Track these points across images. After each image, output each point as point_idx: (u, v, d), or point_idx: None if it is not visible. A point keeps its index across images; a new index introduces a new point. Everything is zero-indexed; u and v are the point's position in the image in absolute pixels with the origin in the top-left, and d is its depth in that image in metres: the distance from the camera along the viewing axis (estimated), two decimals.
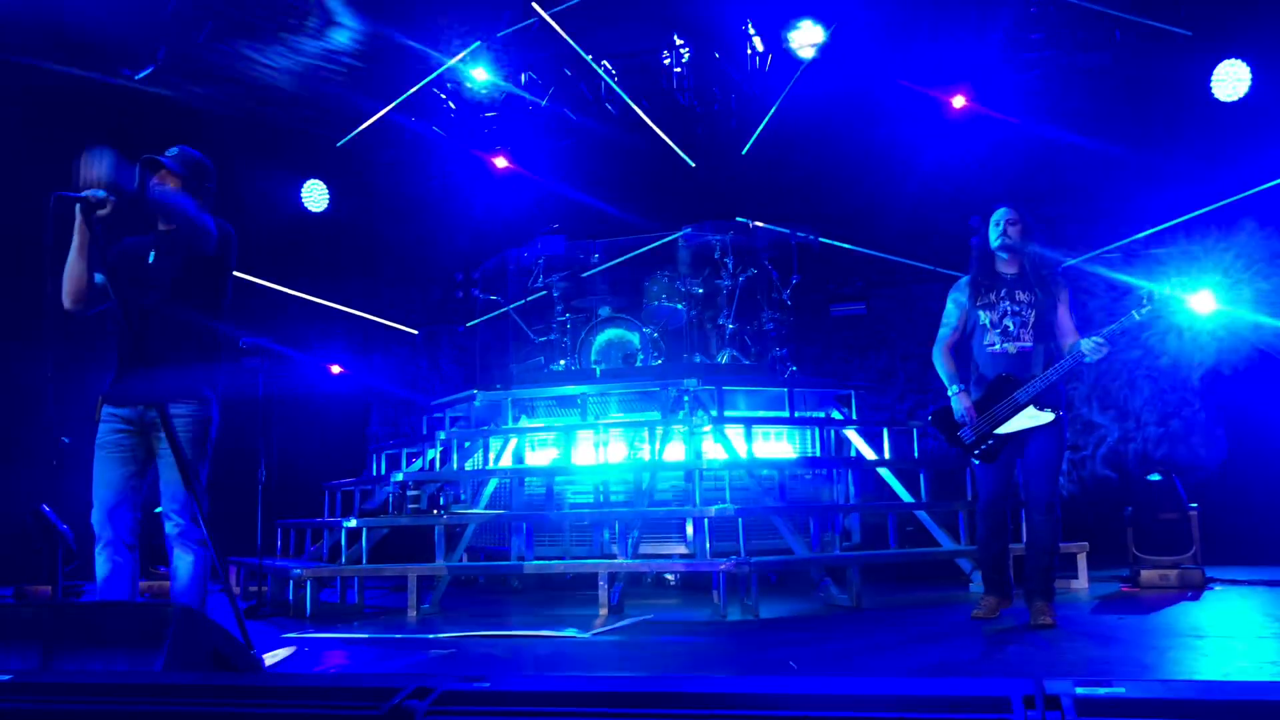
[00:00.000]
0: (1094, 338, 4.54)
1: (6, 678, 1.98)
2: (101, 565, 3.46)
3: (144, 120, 8.32)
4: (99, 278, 3.58)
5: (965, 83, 8.73)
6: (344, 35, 8.60)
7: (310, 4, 8.24)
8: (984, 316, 4.82)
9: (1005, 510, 4.92)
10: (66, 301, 3.58)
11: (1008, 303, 4.78)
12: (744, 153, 9.39)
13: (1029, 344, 4.74)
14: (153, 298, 3.57)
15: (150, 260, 3.62)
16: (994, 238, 4.83)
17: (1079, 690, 1.62)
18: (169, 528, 3.53)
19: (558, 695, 1.84)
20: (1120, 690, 1.62)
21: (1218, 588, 6.07)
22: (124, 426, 3.54)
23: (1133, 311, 4.51)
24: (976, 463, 4.88)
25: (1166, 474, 6.46)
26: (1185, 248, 8.38)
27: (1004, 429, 4.72)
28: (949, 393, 4.90)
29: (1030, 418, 4.67)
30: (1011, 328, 4.75)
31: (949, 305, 5.00)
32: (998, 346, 4.77)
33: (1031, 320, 4.75)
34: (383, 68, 9.25)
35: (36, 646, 2.22)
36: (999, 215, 4.84)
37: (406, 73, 9.41)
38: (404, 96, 9.57)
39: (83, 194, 3.33)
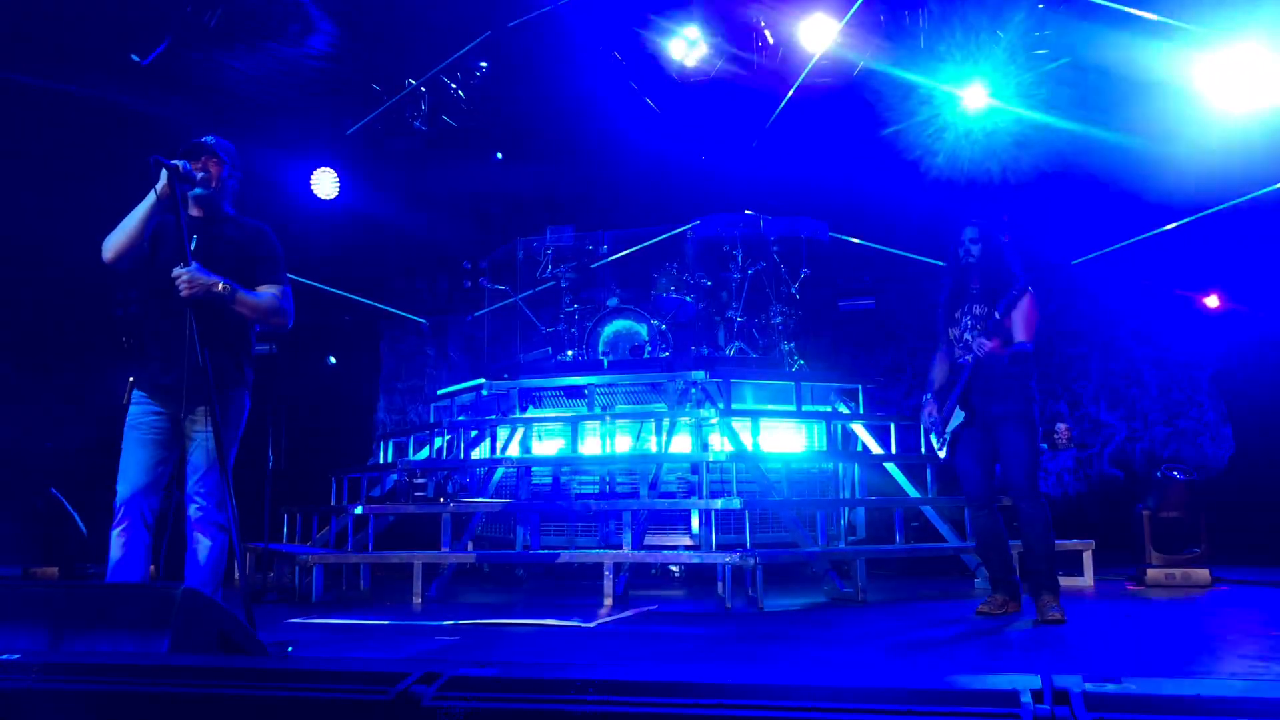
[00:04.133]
0: (980, 339, 4.86)
1: (14, 657, 1.99)
2: (118, 546, 3.45)
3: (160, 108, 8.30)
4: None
5: (980, 76, 8.69)
6: (349, 26, 8.58)
7: None
8: (950, 332, 5.15)
9: (993, 507, 5.08)
10: (109, 253, 3.54)
11: (968, 317, 5.05)
12: (754, 146, 9.37)
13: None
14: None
15: (193, 247, 3.58)
16: (960, 256, 5.09)
17: (1088, 685, 1.61)
18: (192, 510, 3.53)
19: (563, 683, 1.84)
20: (1129, 686, 1.61)
21: (1224, 587, 6.06)
22: (158, 410, 3.55)
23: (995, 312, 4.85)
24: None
25: (1187, 472, 6.44)
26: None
27: (949, 427, 5.06)
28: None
29: (956, 416, 5.01)
30: (970, 339, 5.00)
31: (938, 325, 5.31)
32: (961, 357, 5.06)
33: (990, 330, 4.95)
34: (390, 57, 9.24)
35: (44, 626, 2.23)
36: (965, 234, 5.08)
37: (415, 62, 9.40)
38: (412, 86, 9.56)
39: (174, 162, 3.43)
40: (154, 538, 3.52)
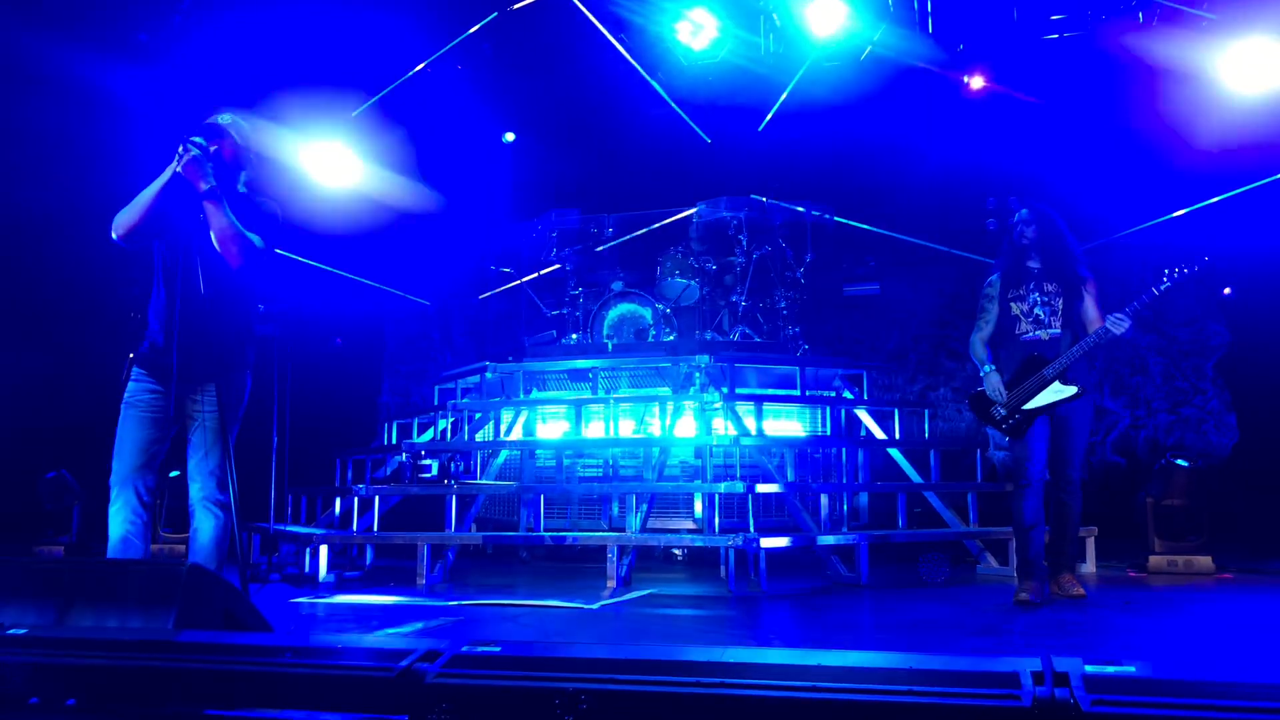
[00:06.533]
0: (1116, 314, 4.80)
1: (22, 631, 2.00)
2: (117, 524, 3.45)
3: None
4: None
5: (983, 62, 8.64)
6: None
7: None
8: (1015, 307, 5.09)
9: (1043, 491, 5.08)
10: (119, 230, 3.53)
11: (1037, 294, 5.06)
12: (760, 129, 9.33)
13: (1058, 330, 5.01)
14: (206, 265, 3.51)
15: (200, 221, 3.57)
16: (1015, 237, 5.12)
17: (1088, 668, 1.62)
18: (195, 490, 3.53)
19: (565, 661, 1.85)
20: (1130, 669, 1.62)
21: (1227, 575, 6.06)
22: (157, 387, 3.54)
23: (1152, 288, 4.75)
24: (1005, 439, 5.13)
25: (1191, 460, 6.45)
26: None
27: (1031, 404, 4.97)
28: (982, 373, 5.14)
29: (1055, 392, 4.92)
30: (1043, 316, 5.03)
31: (983, 301, 5.26)
32: (1030, 334, 5.05)
33: (1060, 308, 5.02)
34: (397, 38, 9.20)
35: (53, 602, 2.24)
36: (1018, 216, 5.14)
37: (420, 44, 9.37)
38: (417, 69, 9.53)
39: (192, 140, 3.48)
40: (151, 515, 3.52)
